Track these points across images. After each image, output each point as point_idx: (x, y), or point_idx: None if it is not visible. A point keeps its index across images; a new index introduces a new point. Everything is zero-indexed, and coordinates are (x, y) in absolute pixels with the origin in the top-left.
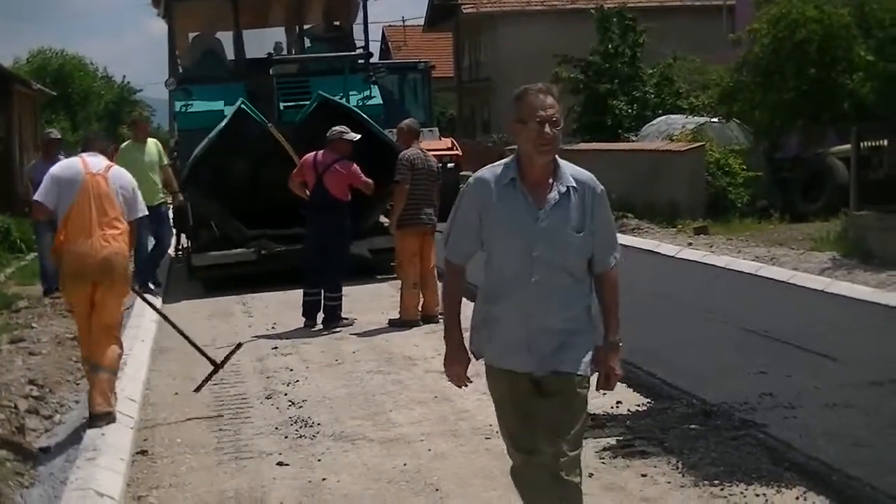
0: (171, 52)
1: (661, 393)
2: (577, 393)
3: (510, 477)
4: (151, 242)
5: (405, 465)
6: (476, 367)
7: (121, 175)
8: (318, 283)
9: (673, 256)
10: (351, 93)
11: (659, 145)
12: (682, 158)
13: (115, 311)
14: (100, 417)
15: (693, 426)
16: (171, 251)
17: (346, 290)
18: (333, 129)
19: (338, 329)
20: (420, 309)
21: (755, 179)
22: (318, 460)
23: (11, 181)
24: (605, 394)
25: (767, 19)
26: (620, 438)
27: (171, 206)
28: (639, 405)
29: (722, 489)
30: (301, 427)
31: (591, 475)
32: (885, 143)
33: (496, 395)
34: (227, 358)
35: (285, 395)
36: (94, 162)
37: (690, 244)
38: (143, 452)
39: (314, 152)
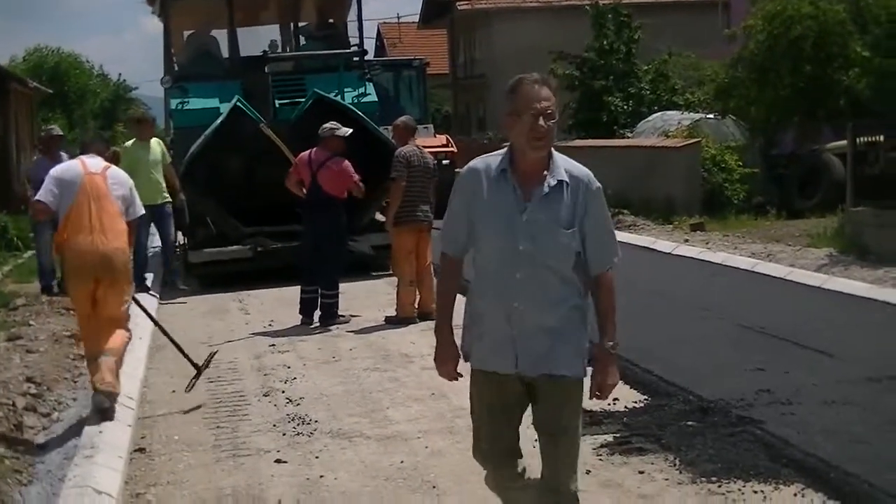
0: (166, 50)
1: (658, 390)
2: (571, 397)
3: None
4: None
5: (402, 462)
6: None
7: (118, 175)
8: (315, 280)
9: (669, 253)
10: (346, 90)
11: (655, 142)
12: (678, 155)
13: (118, 306)
14: (105, 395)
15: (690, 423)
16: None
17: (342, 287)
18: (324, 126)
19: (334, 326)
20: (416, 306)
21: (751, 176)
22: (316, 457)
23: (8, 179)
24: None
25: (762, 16)
26: (618, 435)
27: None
28: (636, 402)
29: (719, 486)
30: (298, 424)
31: (588, 472)
32: (882, 138)
33: (478, 405)
34: (207, 363)
35: (283, 392)
36: (93, 163)
37: (687, 241)
38: (141, 450)
39: (308, 150)
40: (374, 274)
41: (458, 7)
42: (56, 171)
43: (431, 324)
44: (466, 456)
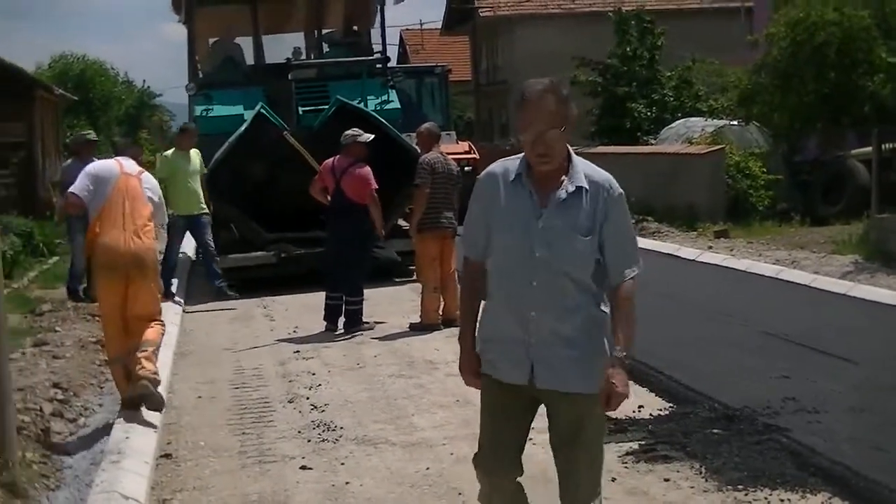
0: (191, 57)
1: (683, 397)
2: (586, 412)
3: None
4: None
5: (428, 468)
6: None
7: (151, 181)
8: (340, 287)
9: (693, 260)
10: (369, 97)
11: (678, 148)
12: (702, 161)
13: (150, 302)
14: (148, 381)
15: (716, 430)
16: (191, 254)
17: (366, 293)
18: (346, 133)
19: (359, 333)
20: (441, 313)
21: (775, 182)
22: (342, 464)
23: (34, 186)
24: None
25: (785, 22)
26: (643, 443)
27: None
28: (661, 409)
29: (746, 494)
30: (324, 431)
31: (613, 479)
32: None
33: (483, 410)
34: None
35: (307, 398)
36: (129, 165)
37: (710, 247)
38: (167, 456)
39: (332, 158)
40: (398, 280)
41: (481, 14)
42: (93, 167)
43: (456, 330)
44: None
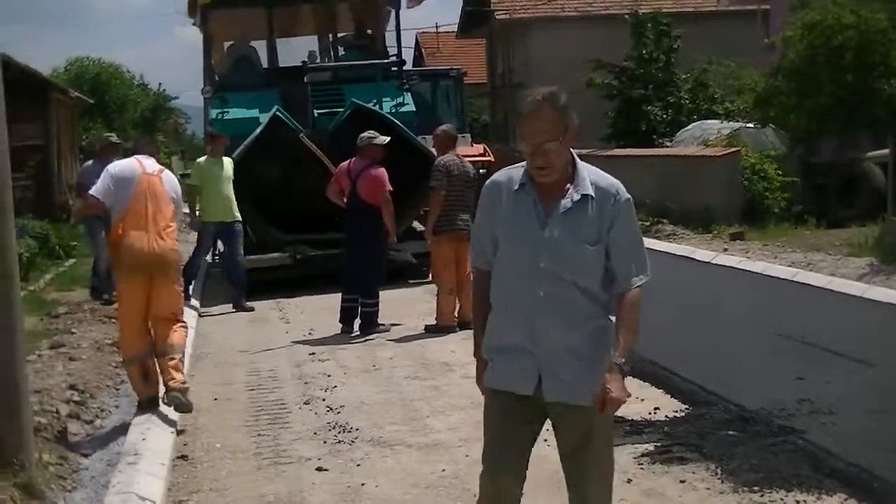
0: (206, 61)
1: (698, 399)
2: (594, 422)
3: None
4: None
5: (443, 470)
6: None
7: (171, 178)
8: (355, 289)
9: (709, 262)
10: (384, 100)
11: (694, 151)
12: (718, 164)
13: (173, 303)
14: (180, 392)
15: (731, 432)
16: (208, 257)
17: (382, 295)
18: (362, 135)
19: (374, 335)
20: (457, 315)
21: (791, 185)
22: (357, 465)
23: (50, 188)
24: (642, 399)
25: (802, 25)
26: (658, 444)
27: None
28: (676, 411)
29: (762, 495)
30: (339, 432)
31: (629, 481)
32: None
33: (488, 421)
34: None
35: (323, 400)
36: (149, 164)
37: (726, 250)
38: (184, 457)
39: (347, 160)
40: (413, 282)
41: (497, 16)
42: (114, 168)
43: (471, 332)
44: None
